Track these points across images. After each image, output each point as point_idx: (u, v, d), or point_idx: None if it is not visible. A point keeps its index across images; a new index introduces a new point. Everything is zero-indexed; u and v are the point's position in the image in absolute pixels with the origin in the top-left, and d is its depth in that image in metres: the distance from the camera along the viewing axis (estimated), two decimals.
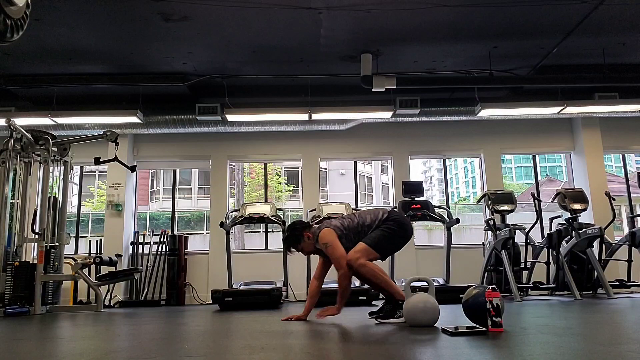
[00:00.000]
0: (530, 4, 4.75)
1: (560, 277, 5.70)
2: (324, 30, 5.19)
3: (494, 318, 2.42)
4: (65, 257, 5.84)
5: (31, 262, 5.31)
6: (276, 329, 2.94)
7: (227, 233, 6.18)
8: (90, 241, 7.19)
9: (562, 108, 6.38)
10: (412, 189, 6.16)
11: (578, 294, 5.33)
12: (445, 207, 6.49)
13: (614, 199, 6.20)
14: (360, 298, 5.36)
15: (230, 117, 6.53)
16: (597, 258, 5.77)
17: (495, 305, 2.42)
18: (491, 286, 2.48)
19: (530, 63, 6.16)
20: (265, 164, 8.48)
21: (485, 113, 6.56)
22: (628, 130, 7.44)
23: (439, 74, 6.40)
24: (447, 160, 8.27)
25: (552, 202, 6.21)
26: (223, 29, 5.14)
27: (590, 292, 5.94)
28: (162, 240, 7.10)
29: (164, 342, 2.46)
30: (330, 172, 22.67)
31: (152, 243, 7.12)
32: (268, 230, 8.10)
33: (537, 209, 5.72)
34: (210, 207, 7.35)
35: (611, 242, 6.23)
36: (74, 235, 7.27)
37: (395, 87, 5.73)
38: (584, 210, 5.94)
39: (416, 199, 6.10)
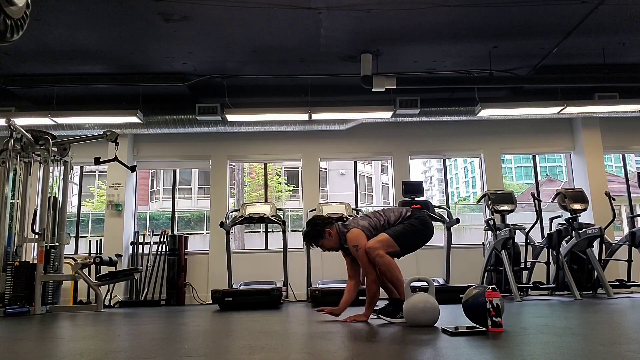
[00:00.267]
0: (530, 4, 4.75)
1: (560, 277, 5.70)
2: (324, 30, 5.19)
3: (494, 318, 2.42)
4: (65, 257, 5.84)
5: (31, 262, 5.31)
6: (276, 329, 2.94)
7: (227, 233, 6.18)
8: (90, 241, 7.19)
9: (562, 108, 6.38)
10: (412, 189, 6.16)
11: (578, 294, 5.33)
12: (445, 207, 6.50)
13: (614, 199, 6.20)
14: (360, 298, 5.35)
15: (230, 117, 6.53)
16: (597, 258, 5.77)
17: (495, 305, 2.42)
18: (491, 286, 2.48)
19: (530, 63, 6.16)
20: (265, 164, 8.48)
21: (485, 113, 6.56)
22: (628, 130, 7.44)
23: (439, 74, 6.40)
24: (447, 160, 8.27)
25: (552, 202, 6.21)
26: (223, 29, 5.14)
27: (590, 292, 5.94)
28: (162, 240, 7.10)
29: (164, 342, 2.46)
30: (330, 172, 22.67)
31: (152, 243, 7.12)
32: (268, 230, 8.10)
33: (537, 209, 5.72)
34: (210, 207, 7.35)
35: (611, 242, 6.23)
36: (74, 235, 7.28)
37: (395, 87, 5.73)
38: (584, 210, 5.94)
39: (416, 199, 6.10)
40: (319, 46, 5.58)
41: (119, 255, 6.70)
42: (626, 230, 6.81)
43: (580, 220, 5.92)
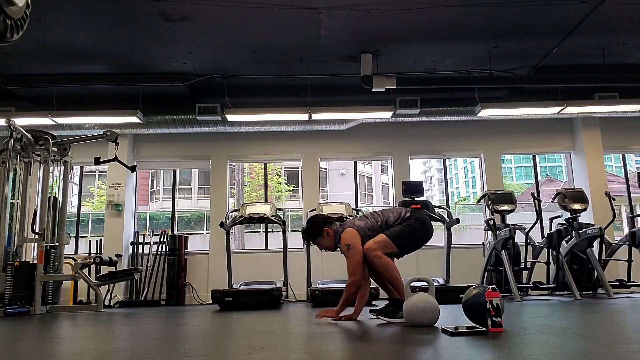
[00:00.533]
0: (530, 4, 4.75)
1: (560, 277, 5.70)
2: (324, 30, 5.19)
3: (494, 318, 2.42)
4: (65, 257, 5.84)
5: (31, 262, 5.31)
6: (276, 329, 2.94)
7: (227, 233, 6.18)
8: (90, 241, 7.19)
9: (562, 108, 6.38)
10: (412, 189, 6.16)
11: (578, 294, 5.34)
12: (445, 207, 6.49)
13: (614, 199, 6.20)
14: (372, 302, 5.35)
15: (230, 117, 6.53)
16: (597, 258, 5.77)
17: (495, 305, 2.42)
18: (491, 286, 2.48)
19: (530, 63, 6.16)
20: (265, 164, 8.48)
21: (485, 113, 6.56)
22: (628, 130, 7.44)
23: (439, 74, 6.40)
24: (447, 160, 8.27)
25: (552, 202, 6.21)
26: (223, 29, 5.14)
27: (590, 292, 5.94)
28: (162, 240, 7.10)
29: (164, 342, 2.46)
30: (330, 172, 22.67)
31: (152, 243, 7.12)
32: (268, 230, 8.09)
33: (537, 209, 5.72)
34: (210, 207, 7.35)
35: (611, 242, 6.23)
36: (74, 235, 7.27)
37: (395, 87, 5.72)
38: (584, 210, 5.94)
39: (416, 199, 6.10)
40: (319, 46, 5.58)
41: (119, 255, 6.70)
42: (626, 230, 6.81)
43: (580, 220, 5.92)
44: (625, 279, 5.93)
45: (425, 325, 2.79)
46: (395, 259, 3.37)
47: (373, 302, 5.27)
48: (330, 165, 22.04)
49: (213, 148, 7.43)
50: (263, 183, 12.14)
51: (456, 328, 2.48)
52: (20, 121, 5.86)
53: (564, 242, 5.92)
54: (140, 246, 7.12)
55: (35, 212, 5.34)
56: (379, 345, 2.16)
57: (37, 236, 5.29)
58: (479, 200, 6.62)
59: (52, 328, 3.49)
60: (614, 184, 10.75)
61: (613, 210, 6.18)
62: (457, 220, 6.03)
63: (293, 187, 20.43)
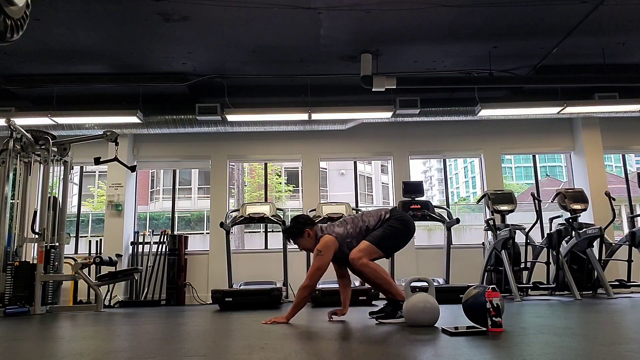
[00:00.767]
0: (530, 4, 4.75)
1: (560, 277, 5.70)
2: (324, 30, 5.19)
3: (494, 318, 2.42)
4: (65, 257, 5.84)
5: (31, 262, 5.32)
6: (276, 329, 2.94)
7: (227, 233, 6.18)
8: (90, 241, 7.19)
9: (562, 108, 6.38)
10: (412, 189, 6.16)
11: (578, 294, 5.33)
12: (445, 207, 6.49)
13: (614, 199, 6.20)
14: (360, 298, 5.36)
15: (230, 117, 6.53)
16: (597, 258, 5.77)
17: (495, 305, 2.42)
18: (491, 286, 2.48)
19: (530, 63, 6.16)
20: (265, 164, 8.49)
21: (485, 113, 6.56)
22: (628, 130, 7.44)
23: (439, 74, 6.40)
24: (447, 160, 8.27)
25: (552, 202, 6.21)
26: (223, 29, 5.14)
27: (590, 292, 5.94)
28: (162, 240, 7.10)
29: (164, 342, 2.46)
30: (330, 172, 22.67)
31: (152, 243, 7.12)
32: (268, 230, 8.09)
33: (537, 209, 5.72)
34: (210, 207, 7.36)
35: (611, 242, 6.23)
36: (74, 235, 7.27)
37: (395, 87, 5.72)
38: (584, 210, 5.94)
39: (416, 199, 6.10)
40: (319, 46, 5.57)
41: (119, 255, 6.70)
42: (626, 230, 6.81)
43: (580, 220, 5.92)
44: (625, 279, 5.93)
45: (425, 325, 2.79)
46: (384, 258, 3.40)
47: (373, 303, 5.27)
48: (330, 165, 22.04)
49: (213, 148, 7.43)
50: (263, 183, 12.15)
51: (456, 328, 2.48)
52: (20, 121, 5.86)
53: (564, 242, 5.92)
54: (140, 246, 7.12)
55: (35, 212, 5.34)
56: (379, 345, 2.16)
57: (37, 236, 5.29)
58: (479, 200, 6.62)
59: (52, 328, 3.49)
60: (614, 184, 10.75)
61: (613, 210, 6.18)
62: (457, 220, 6.03)
63: (293, 187, 20.44)
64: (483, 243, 6.46)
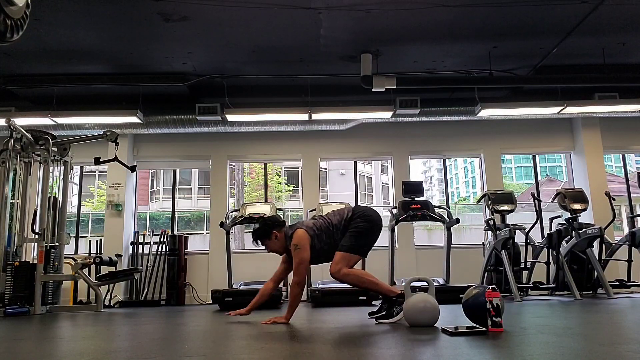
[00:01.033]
0: (530, 4, 4.75)
1: (560, 277, 5.70)
2: (324, 30, 5.19)
3: (494, 318, 2.42)
4: (65, 257, 5.83)
5: (31, 262, 5.31)
6: (276, 329, 2.95)
7: (227, 233, 6.18)
8: (90, 241, 7.19)
9: (562, 108, 6.38)
10: (412, 189, 6.16)
11: (578, 294, 5.34)
12: (445, 207, 6.49)
13: (614, 199, 6.20)
14: (360, 298, 5.36)
15: (230, 117, 6.53)
16: (597, 258, 5.77)
17: (495, 305, 2.42)
18: (491, 286, 2.48)
19: (530, 63, 6.16)
20: (265, 164, 8.48)
21: (485, 113, 6.56)
22: (628, 130, 7.43)
23: (439, 74, 6.39)
24: (447, 160, 8.27)
25: (552, 202, 6.21)
26: (223, 29, 5.14)
27: (590, 292, 5.94)
28: (162, 240, 7.09)
29: (164, 342, 2.46)
30: (330, 172, 22.67)
31: (152, 243, 7.11)
32: None
33: (537, 209, 5.72)
34: (210, 207, 7.35)
35: (611, 242, 6.23)
36: (74, 235, 7.27)
37: (395, 87, 5.72)
38: (584, 210, 5.94)
39: (416, 199, 6.09)
40: (319, 46, 5.57)
41: (119, 255, 6.70)
42: (626, 230, 6.81)
43: (580, 220, 5.92)
44: (625, 279, 5.93)
45: (425, 325, 2.79)
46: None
47: (373, 303, 5.27)
48: (330, 165, 22.04)
49: (213, 148, 7.43)
50: (263, 183, 12.14)
51: (456, 328, 2.48)
52: (20, 121, 5.86)
53: (564, 242, 5.92)
54: (140, 246, 7.12)
55: (35, 212, 5.34)
56: (379, 345, 2.16)
57: (37, 236, 5.29)
58: (479, 200, 6.62)
59: (52, 328, 3.49)
60: (614, 184, 10.75)
61: (613, 210, 6.18)
62: (457, 220, 6.03)
63: (293, 187, 20.43)
64: (483, 243, 6.46)
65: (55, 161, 5.75)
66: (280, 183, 19.99)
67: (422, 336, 2.38)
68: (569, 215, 5.89)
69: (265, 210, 6.21)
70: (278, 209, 6.43)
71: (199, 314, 4.55)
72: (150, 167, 10.98)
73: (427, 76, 6.34)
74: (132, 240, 7.20)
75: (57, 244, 5.56)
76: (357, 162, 8.18)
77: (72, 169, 6.26)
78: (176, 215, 7.92)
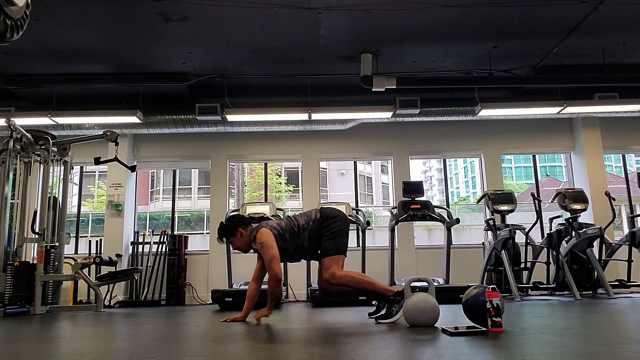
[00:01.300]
0: (530, 4, 4.75)
1: (560, 277, 5.70)
2: (323, 30, 5.19)
3: (494, 318, 2.42)
4: (65, 257, 5.83)
5: (31, 262, 5.31)
6: (276, 329, 2.95)
7: None
8: (90, 241, 7.19)
9: (562, 108, 6.38)
10: (412, 189, 6.16)
11: (578, 294, 5.33)
12: (445, 207, 6.48)
13: (614, 199, 6.20)
14: (360, 298, 5.36)
15: (230, 117, 6.53)
16: (597, 258, 5.77)
17: (495, 305, 2.42)
18: (491, 286, 2.48)
19: (530, 63, 6.16)
20: (265, 164, 8.49)
21: (485, 113, 6.56)
22: (628, 130, 7.43)
23: (439, 74, 6.39)
24: (447, 160, 8.27)
25: (552, 202, 6.21)
26: (223, 29, 5.14)
27: (590, 292, 5.94)
28: (162, 240, 7.10)
29: (164, 342, 2.46)
30: (330, 172, 22.68)
31: (152, 243, 7.11)
32: None
33: (537, 209, 5.72)
34: (210, 207, 7.35)
35: (611, 242, 6.23)
36: (74, 235, 7.27)
37: (395, 87, 5.72)
38: (584, 210, 5.93)
39: (416, 199, 6.09)
40: (319, 46, 5.57)
41: (119, 255, 6.70)
42: (626, 230, 6.81)
43: (580, 220, 5.92)
44: (625, 279, 5.93)
45: (425, 325, 2.78)
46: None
47: (373, 303, 5.27)
48: (330, 165, 22.04)
49: (213, 148, 7.43)
50: (263, 183, 12.15)
51: (456, 328, 2.48)
52: (20, 121, 5.86)
53: (564, 242, 5.92)
54: (140, 246, 7.12)
55: (35, 212, 5.34)
56: (379, 345, 2.16)
57: (37, 236, 5.29)
58: (479, 200, 6.62)
59: (52, 328, 3.49)
60: (614, 184, 10.75)
61: (613, 210, 6.18)
62: (457, 220, 6.03)
63: (293, 187, 20.44)
64: (483, 243, 6.46)
65: (55, 161, 5.75)
66: (280, 183, 20.00)
67: (422, 336, 2.38)
68: (569, 215, 5.89)
69: (265, 210, 6.20)
70: (278, 209, 6.43)
71: (199, 314, 4.55)
72: (150, 167, 10.98)
73: (427, 76, 6.34)
74: (132, 240, 7.20)
75: (57, 244, 5.56)
76: (357, 162, 8.19)
77: (72, 169, 6.27)
78: (176, 215, 7.93)
